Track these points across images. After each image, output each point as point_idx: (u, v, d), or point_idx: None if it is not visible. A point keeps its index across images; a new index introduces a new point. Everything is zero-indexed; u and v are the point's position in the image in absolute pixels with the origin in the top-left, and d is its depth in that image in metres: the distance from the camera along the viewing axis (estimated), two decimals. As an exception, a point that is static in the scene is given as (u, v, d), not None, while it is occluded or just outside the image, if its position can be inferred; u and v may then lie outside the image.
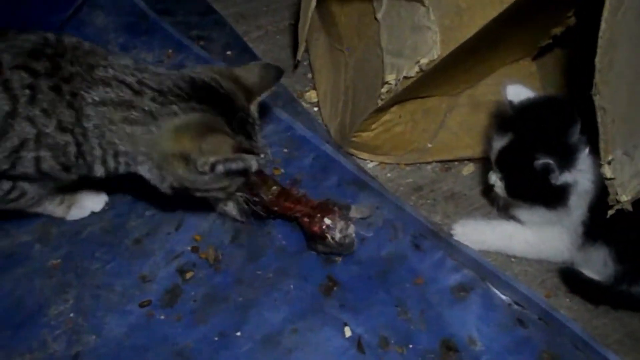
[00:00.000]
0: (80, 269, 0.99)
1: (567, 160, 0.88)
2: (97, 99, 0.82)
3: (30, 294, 0.95)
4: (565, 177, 0.89)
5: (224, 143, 0.81)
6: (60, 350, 0.90)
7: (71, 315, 0.94)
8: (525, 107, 0.94)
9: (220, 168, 0.83)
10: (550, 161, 0.87)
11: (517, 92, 0.95)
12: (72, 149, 0.84)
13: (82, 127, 0.83)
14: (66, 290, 0.96)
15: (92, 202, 1.05)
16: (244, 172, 0.89)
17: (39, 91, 0.81)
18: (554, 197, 0.92)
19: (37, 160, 0.84)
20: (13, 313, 0.93)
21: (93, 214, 1.05)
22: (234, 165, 0.83)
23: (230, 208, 1.01)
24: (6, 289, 0.96)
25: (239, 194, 0.96)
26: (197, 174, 0.84)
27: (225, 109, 0.86)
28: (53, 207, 1.02)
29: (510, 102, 0.95)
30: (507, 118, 0.96)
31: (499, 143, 0.94)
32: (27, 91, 0.81)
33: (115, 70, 0.84)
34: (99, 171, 0.88)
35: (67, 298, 0.95)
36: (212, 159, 0.81)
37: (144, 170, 0.87)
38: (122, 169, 0.88)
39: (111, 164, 0.87)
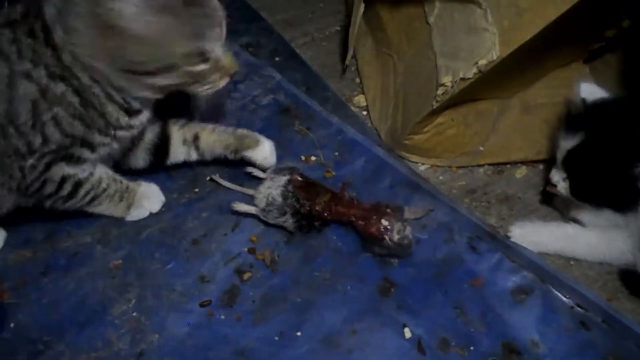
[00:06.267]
0: (141, 269, 1.00)
1: None
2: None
3: (94, 294, 0.97)
4: None
5: None
6: (125, 349, 0.91)
7: (134, 314, 0.95)
8: (602, 108, 0.91)
9: None
10: None
11: (591, 91, 0.92)
12: (74, 100, 0.84)
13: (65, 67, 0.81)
14: (128, 290, 0.98)
15: (151, 203, 1.07)
16: None
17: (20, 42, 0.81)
18: (629, 201, 0.90)
19: (56, 121, 0.84)
20: (78, 312, 0.95)
21: (151, 215, 1.07)
22: None
23: (288, 223, 1.02)
24: (70, 288, 0.97)
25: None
26: None
27: None
28: (113, 206, 1.03)
29: (584, 100, 0.92)
30: (578, 117, 0.93)
31: (568, 143, 0.92)
32: (14, 47, 0.81)
33: None
34: (114, 115, 0.88)
35: (130, 297, 0.97)
36: None
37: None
38: (134, 104, 0.88)
39: (119, 99, 0.87)
